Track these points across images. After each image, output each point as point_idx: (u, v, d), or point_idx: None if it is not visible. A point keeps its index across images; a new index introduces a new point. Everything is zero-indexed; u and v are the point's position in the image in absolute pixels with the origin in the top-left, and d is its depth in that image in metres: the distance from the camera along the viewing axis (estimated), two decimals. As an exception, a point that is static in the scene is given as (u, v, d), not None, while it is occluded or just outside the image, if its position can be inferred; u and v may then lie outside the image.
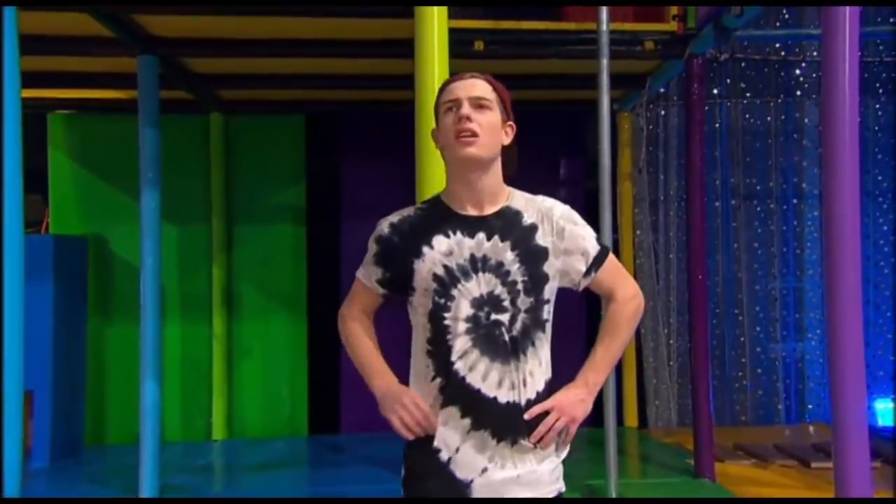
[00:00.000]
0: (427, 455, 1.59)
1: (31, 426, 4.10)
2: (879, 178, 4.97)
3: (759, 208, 5.06)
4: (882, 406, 4.90)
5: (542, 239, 1.66)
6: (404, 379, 1.66)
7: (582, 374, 1.67)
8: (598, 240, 1.72)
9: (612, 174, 3.46)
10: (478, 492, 1.58)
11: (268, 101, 4.91)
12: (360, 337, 1.75)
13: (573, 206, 5.32)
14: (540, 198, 1.74)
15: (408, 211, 1.74)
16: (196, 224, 4.84)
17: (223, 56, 3.95)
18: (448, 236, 1.63)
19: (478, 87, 1.69)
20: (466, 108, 1.64)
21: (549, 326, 1.67)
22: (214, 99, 4.72)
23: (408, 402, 1.59)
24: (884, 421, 4.85)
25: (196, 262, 4.83)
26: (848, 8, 2.51)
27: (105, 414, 4.69)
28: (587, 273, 1.67)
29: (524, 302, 1.61)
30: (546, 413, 1.60)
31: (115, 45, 3.62)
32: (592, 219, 4.28)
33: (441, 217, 1.67)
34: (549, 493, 1.62)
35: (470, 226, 1.63)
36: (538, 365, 1.64)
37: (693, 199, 3.91)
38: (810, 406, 4.89)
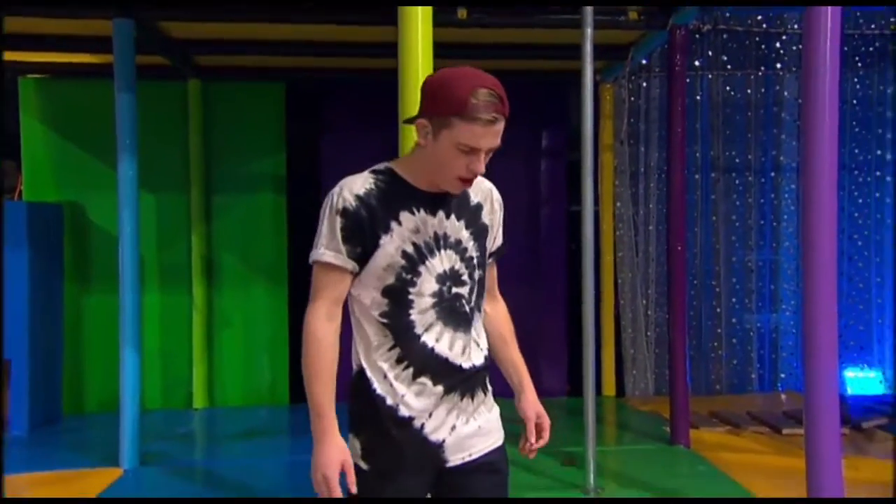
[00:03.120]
0: (397, 426, 1.63)
1: (9, 395, 4.09)
2: (856, 151, 5.06)
3: (737, 181, 5.12)
4: (852, 375, 5.05)
5: (485, 217, 1.75)
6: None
7: (525, 379, 1.83)
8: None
9: (593, 145, 3.48)
10: (448, 450, 1.66)
11: (247, 67, 4.83)
12: (322, 360, 1.66)
13: (555, 177, 5.39)
14: (478, 177, 1.75)
15: (367, 181, 1.67)
16: (174, 193, 4.80)
17: (201, 20, 3.87)
18: (413, 213, 1.64)
19: (498, 133, 1.63)
20: (482, 165, 1.63)
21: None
22: (192, 65, 4.65)
23: (327, 486, 1.59)
24: (853, 390, 5.01)
25: (175, 231, 4.80)
26: (831, -18, 2.54)
27: (83, 382, 4.68)
28: (494, 254, 1.80)
29: (477, 274, 1.70)
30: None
31: (90, 6, 3.54)
32: (574, 190, 4.34)
33: (403, 192, 1.66)
34: (500, 437, 1.75)
35: (430, 203, 1.65)
36: (482, 328, 1.77)
37: (673, 171, 3.94)
38: (783, 375, 5.02)
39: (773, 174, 5.10)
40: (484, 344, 1.76)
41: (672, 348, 3.97)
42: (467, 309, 1.69)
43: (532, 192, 5.07)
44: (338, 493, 1.59)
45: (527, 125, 4.93)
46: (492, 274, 1.86)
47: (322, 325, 1.65)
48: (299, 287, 4.93)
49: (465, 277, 1.68)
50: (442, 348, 1.65)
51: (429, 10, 2.55)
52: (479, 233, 1.74)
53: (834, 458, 2.60)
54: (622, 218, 5.03)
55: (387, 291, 1.64)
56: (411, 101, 2.44)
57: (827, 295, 2.61)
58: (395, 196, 1.67)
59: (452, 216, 1.68)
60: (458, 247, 1.67)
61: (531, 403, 1.80)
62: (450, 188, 1.67)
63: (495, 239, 1.81)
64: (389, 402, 1.63)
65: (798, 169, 4.81)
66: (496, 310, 1.88)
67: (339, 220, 1.63)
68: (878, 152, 5.07)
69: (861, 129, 5.04)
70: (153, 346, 4.58)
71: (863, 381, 5.04)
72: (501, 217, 1.82)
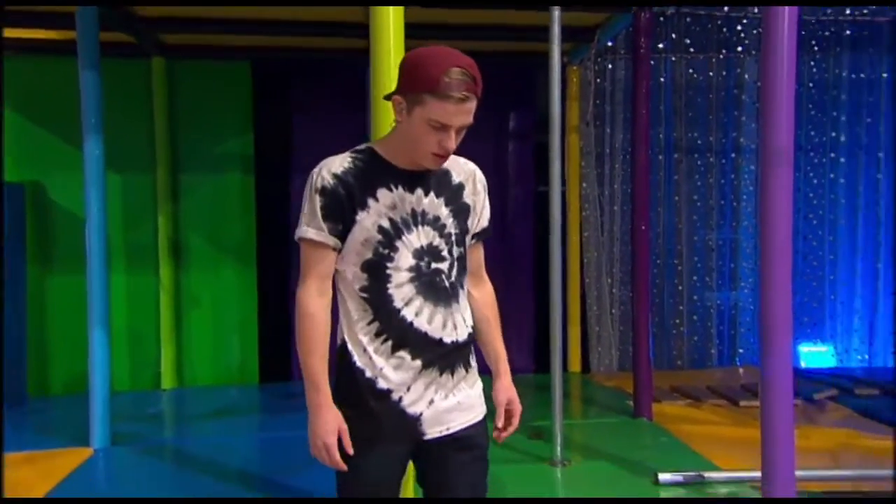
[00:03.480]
0: (376, 398, 1.69)
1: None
2: (812, 133, 5.19)
3: (699, 162, 5.23)
4: (805, 349, 5.23)
5: (468, 197, 1.80)
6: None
7: (502, 365, 1.87)
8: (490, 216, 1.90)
9: (561, 127, 3.53)
10: (426, 423, 1.73)
11: (212, 46, 4.76)
12: (314, 333, 1.71)
13: (522, 159, 5.42)
14: (462, 159, 1.82)
15: (345, 161, 1.73)
16: (139, 172, 4.75)
17: (165, -2, 3.84)
18: (391, 190, 1.69)
19: (470, 112, 1.67)
20: (453, 141, 1.67)
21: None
22: (156, 43, 4.58)
23: (328, 453, 1.66)
24: (806, 363, 5.19)
25: (141, 211, 4.75)
26: (789, -31, 2.61)
27: (48, 364, 4.63)
28: (478, 235, 1.84)
29: (456, 251, 1.76)
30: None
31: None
32: (542, 171, 4.39)
33: (381, 170, 1.71)
34: (480, 413, 1.81)
35: (409, 180, 1.70)
36: (466, 304, 1.82)
37: (638, 152, 4.02)
38: (741, 350, 5.17)
39: (733, 155, 5.22)
40: (468, 320, 1.81)
41: (635, 325, 4.08)
42: (447, 284, 1.74)
43: (500, 173, 5.12)
44: (338, 458, 1.67)
45: (495, 107, 4.95)
46: (477, 255, 1.90)
47: (313, 301, 1.70)
48: (268, 267, 4.94)
49: (445, 253, 1.73)
50: (421, 322, 1.70)
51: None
52: (460, 211, 1.77)
53: (787, 429, 2.71)
54: (588, 198, 5.10)
55: (365, 266, 1.70)
56: (383, 81, 2.45)
57: (783, 273, 2.71)
58: (373, 174, 1.71)
59: (431, 193, 1.72)
60: (436, 223, 1.72)
61: (504, 389, 1.84)
62: (425, 163, 1.70)
63: (479, 220, 1.84)
64: (368, 374, 1.69)
65: (757, 150, 4.93)
66: (482, 292, 1.92)
67: (318, 199, 1.67)
68: (833, 134, 5.22)
69: (817, 111, 5.17)
70: (120, 327, 4.53)
71: (815, 355, 5.23)
72: (485, 199, 1.85)
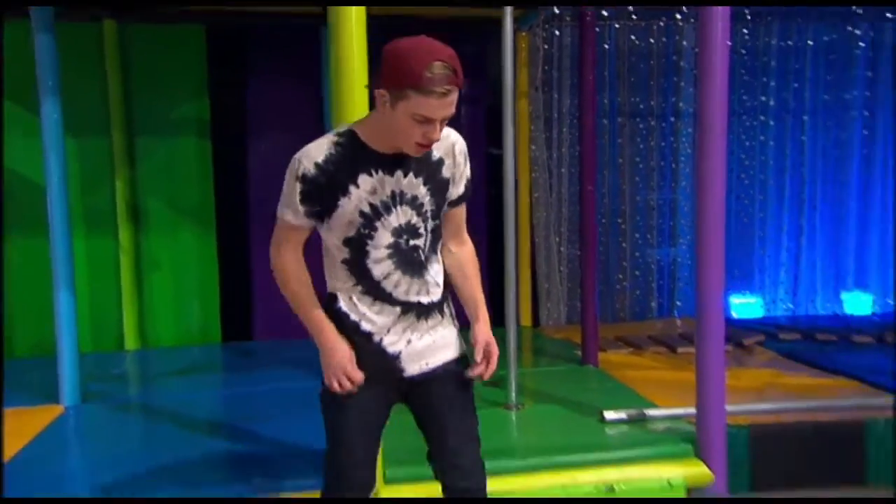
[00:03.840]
0: (359, 337, 1.87)
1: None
2: (744, 97, 5.42)
3: (641, 126, 5.42)
4: (737, 301, 5.57)
5: (446, 171, 1.88)
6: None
7: (480, 311, 1.97)
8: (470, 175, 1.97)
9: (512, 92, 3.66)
10: (404, 360, 1.91)
11: (165, 10, 4.69)
12: (302, 290, 1.87)
13: (475, 123, 5.55)
14: (444, 132, 1.84)
15: (327, 146, 1.78)
16: (95, 137, 4.70)
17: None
18: (371, 175, 1.79)
19: (452, 104, 1.71)
20: (438, 133, 1.73)
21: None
22: (106, 5, 4.50)
23: (345, 376, 1.84)
24: (737, 313, 5.54)
25: (97, 175, 4.72)
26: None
27: (13, 328, 4.59)
28: (455, 202, 1.93)
29: (432, 224, 1.89)
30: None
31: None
32: (494, 135, 4.54)
33: (362, 155, 1.79)
34: (457, 350, 1.97)
35: (389, 164, 1.80)
36: (439, 268, 1.96)
37: (585, 117, 4.18)
38: (679, 303, 5.46)
39: (672, 119, 5.43)
40: (441, 281, 1.96)
41: (583, 281, 4.29)
42: (423, 258, 1.90)
43: (453, 136, 5.23)
44: (359, 376, 1.85)
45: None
46: (458, 215, 1.99)
47: (291, 264, 1.87)
48: (228, 230, 4.99)
49: (421, 230, 1.87)
50: (399, 293, 1.87)
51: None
52: (438, 187, 1.88)
53: (719, 370, 2.99)
54: (537, 161, 5.26)
55: (347, 241, 1.85)
56: (341, 49, 2.47)
57: (717, 230, 2.93)
58: (354, 160, 1.78)
59: (411, 174, 1.82)
60: (414, 202, 1.84)
61: (482, 332, 1.94)
62: (409, 151, 1.77)
63: (457, 188, 1.92)
64: (353, 317, 1.87)
65: (694, 115, 5.16)
66: (462, 250, 2.02)
67: (298, 185, 1.78)
68: (763, 98, 5.46)
69: (749, 77, 5.41)
70: (82, 291, 4.49)
71: (745, 305, 5.57)
72: (465, 167, 1.92)
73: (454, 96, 1.69)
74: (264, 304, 4.95)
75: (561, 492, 2.76)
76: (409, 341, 1.89)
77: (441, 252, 1.99)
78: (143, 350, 4.79)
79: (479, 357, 1.93)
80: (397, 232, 1.83)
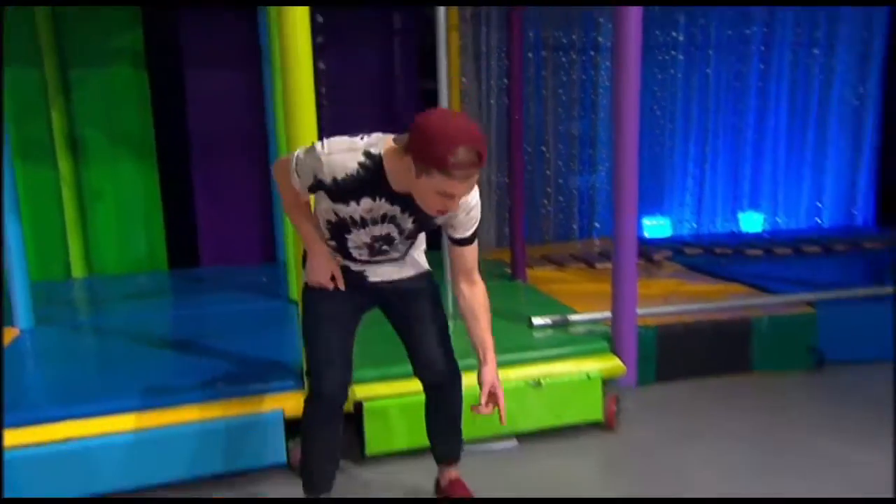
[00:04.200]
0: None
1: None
2: (657, 32, 5.64)
3: (563, 59, 5.59)
4: (648, 223, 5.96)
5: (440, 219, 1.98)
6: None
7: (489, 354, 2.09)
8: (476, 225, 2.03)
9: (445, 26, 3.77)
10: (369, 275, 2.15)
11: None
12: (295, 211, 2.09)
13: (407, 56, 5.61)
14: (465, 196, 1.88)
15: (352, 167, 1.84)
16: (26, 67, 4.59)
17: None
18: (374, 200, 1.92)
19: (474, 180, 1.78)
20: (456, 204, 1.82)
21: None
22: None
23: (328, 277, 2.09)
24: (649, 234, 5.92)
25: (32, 106, 4.63)
26: None
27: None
28: (457, 242, 2.02)
29: (412, 235, 2.06)
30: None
31: None
32: (428, 69, 4.65)
33: (377, 185, 1.87)
34: (419, 269, 2.19)
35: (394, 198, 1.92)
36: (416, 259, 2.17)
37: (512, 50, 4.28)
38: (597, 225, 5.75)
39: (592, 53, 5.62)
40: (420, 265, 2.19)
41: (511, 206, 4.48)
42: (396, 254, 2.10)
43: (387, 71, 5.30)
44: (339, 275, 2.09)
45: (380, 8, 5.11)
46: (465, 256, 2.06)
47: (290, 191, 2.03)
48: (169, 160, 5.00)
49: (397, 241, 2.04)
50: (374, 275, 2.13)
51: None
52: (424, 224, 2.02)
53: (631, 281, 3.26)
54: (467, 93, 5.37)
55: (329, 226, 2.04)
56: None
57: (631, 158, 3.11)
58: (368, 185, 1.87)
59: (407, 213, 1.95)
60: (398, 224, 2.00)
61: (489, 375, 2.05)
62: (427, 211, 1.87)
63: (456, 228, 1.99)
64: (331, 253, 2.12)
65: (612, 48, 5.38)
66: (473, 292, 2.09)
67: (311, 179, 1.92)
68: (673, 34, 5.71)
69: (661, 12, 5.60)
70: (25, 222, 4.47)
71: (655, 227, 5.96)
72: (468, 221, 1.98)
73: (477, 174, 1.77)
74: (209, 231, 5.03)
75: None
76: (375, 269, 2.16)
77: (454, 292, 2.15)
78: (91, 278, 4.80)
79: (483, 399, 2.05)
80: (375, 239, 2.02)
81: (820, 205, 6.25)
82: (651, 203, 5.88)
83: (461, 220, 1.98)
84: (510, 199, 4.55)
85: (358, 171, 1.85)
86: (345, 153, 1.85)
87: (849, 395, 3.48)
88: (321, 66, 4.92)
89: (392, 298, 2.21)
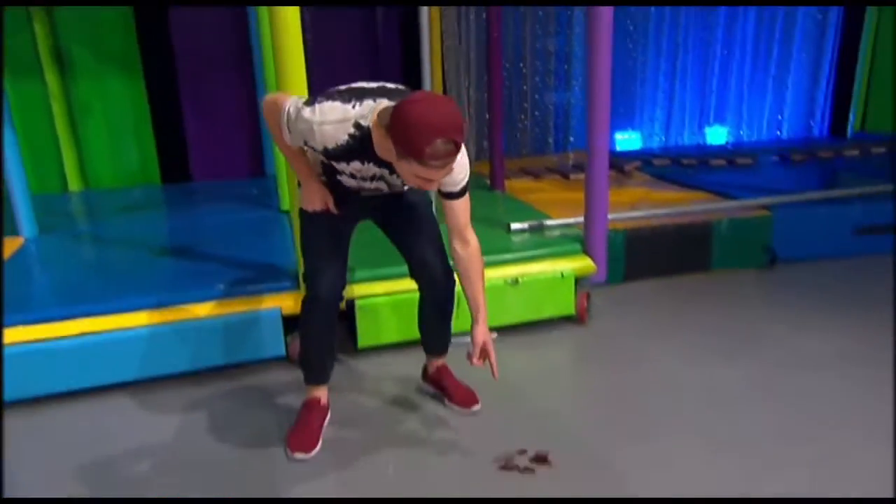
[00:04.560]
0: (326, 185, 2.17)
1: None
2: None
3: None
4: (620, 137, 6.00)
5: None
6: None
7: (481, 314, 2.13)
8: (467, 181, 2.02)
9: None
10: (363, 191, 2.17)
11: None
12: (292, 151, 2.08)
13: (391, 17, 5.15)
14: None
15: (343, 138, 1.85)
16: (8, -21, 4.40)
17: None
18: (363, 163, 1.94)
19: (451, 167, 1.76)
20: (435, 185, 1.82)
21: None
22: None
23: (323, 205, 2.12)
24: (620, 147, 5.97)
25: (14, 19, 4.44)
26: None
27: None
28: (445, 195, 2.01)
29: (402, 187, 2.11)
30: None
31: None
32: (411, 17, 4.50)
33: (365, 152, 1.89)
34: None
35: (381, 162, 1.93)
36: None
37: None
38: (572, 139, 5.77)
39: None
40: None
41: (490, 121, 4.47)
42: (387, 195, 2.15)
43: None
44: (331, 202, 2.13)
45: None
46: (455, 211, 2.05)
47: (286, 143, 2.01)
48: (155, 77, 4.88)
49: (387, 192, 2.10)
50: (368, 193, 2.15)
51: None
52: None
53: (603, 187, 3.27)
54: (446, 12, 5.23)
55: (322, 167, 2.08)
56: None
57: (604, 73, 3.06)
58: (357, 152, 1.89)
59: (395, 174, 1.95)
60: (387, 181, 2.02)
61: (481, 333, 2.10)
62: (410, 185, 1.88)
63: (441, 184, 1.96)
64: (323, 179, 2.15)
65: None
66: (467, 253, 2.10)
67: (302, 142, 1.91)
68: None
69: None
70: (20, 136, 4.43)
71: (627, 140, 6.02)
72: (456, 177, 1.96)
73: (453, 162, 1.75)
74: (199, 147, 4.98)
75: None
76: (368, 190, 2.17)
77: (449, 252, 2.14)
78: (87, 191, 4.77)
79: (475, 358, 2.11)
80: (365, 190, 2.09)
81: (781, 118, 6.31)
82: (623, 118, 5.90)
83: (449, 178, 1.97)
84: (489, 113, 4.53)
85: (348, 142, 1.87)
86: (336, 125, 1.84)
87: (797, 288, 3.64)
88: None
89: (386, 209, 2.26)
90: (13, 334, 2.59)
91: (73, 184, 4.75)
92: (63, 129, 4.66)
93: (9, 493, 2.17)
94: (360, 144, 1.86)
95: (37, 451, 2.40)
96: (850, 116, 6.21)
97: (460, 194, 2.03)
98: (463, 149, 1.88)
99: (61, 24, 4.59)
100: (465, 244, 2.10)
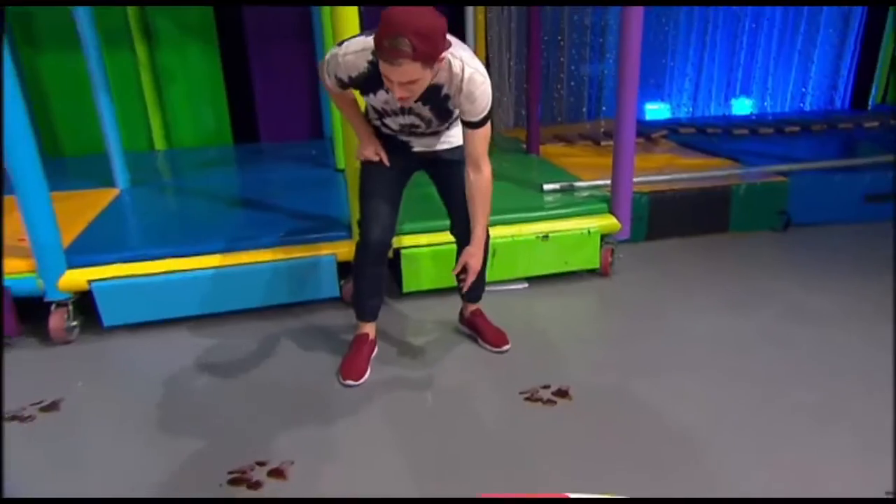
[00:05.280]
0: (382, 136, 2.21)
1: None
2: None
3: None
4: (650, 107, 5.84)
5: (450, 104, 1.98)
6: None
7: (475, 236, 2.09)
8: (487, 111, 1.95)
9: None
10: (414, 145, 2.21)
11: None
12: (341, 102, 2.12)
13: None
14: (462, 75, 1.86)
15: (362, 64, 1.87)
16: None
17: None
18: (387, 92, 1.92)
19: (406, 72, 1.71)
20: (400, 91, 1.76)
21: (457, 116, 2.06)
22: None
23: (373, 154, 2.17)
24: (650, 116, 5.82)
25: (109, -2, 4.54)
26: None
27: (55, 129, 4.66)
28: (466, 123, 1.97)
29: (434, 124, 2.07)
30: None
31: None
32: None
33: (381, 80, 1.85)
34: (459, 143, 2.17)
35: None
36: (456, 126, 2.14)
37: None
38: (604, 108, 5.62)
39: None
40: (455, 136, 2.17)
41: (528, 90, 4.40)
42: (427, 133, 2.13)
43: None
44: (383, 154, 2.17)
45: None
46: (472, 141, 2.00)
47: (334, 87, 2.05)
48: (228, 47, 4.92)
49: (423, 129, 2.08)
50: (418, 148, 2.19)
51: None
52: (442, 111, 2.02)
53: (629, 153, 3.22)
54: None
55: (372, 110, 2.11)
56: None
57: (633, 45, 2.95)
58: (376, 80, 1.88)
59: (420, 101, 1.94)
60: (419, 115, 2.02)
61: (467, 255, 2.10)
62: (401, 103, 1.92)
63: (463, 113, 1.95)
64: (376, 124, 2.20)
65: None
66: (477, 178, 2.05)
67: (334, 78, 1.97)
68: None
69: None
70: (114, 101, 4.54)
71: (656, 110, 5.86)
72: (469, 101, 1.91)
73: (409, 66, 1.69)
74: (266, 111, 5.05)
75: (511, 240, 3.06)
76: (417, 139, 2.20)
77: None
78: (170, 150, 4.90)
79: (457, 269, 2.12)
80: (402, 127, 2.08)
81: (805, 90, 6.04)
82: (653, 90, 5.73)
83: (466, 108, 1.93)
84: (527, 83, 4.47)
85: (367, 69, 1.87)
86: (357, 54, 1.85)
87: (808, 250, 3.56)
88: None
89: (434, 166, 2.28)
90: (111, 270, 2.76)
91: (159, 143, 4.88)
92: (150, 95, 4.77)
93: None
94: (377, 70, 1.82)
95: (131, 365, 2.56)
96: (873, 90, 5.91)
97: (479, 124, 1.97)
98: (482, 82, 1.87)
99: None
100: (478, 172, 2.05)
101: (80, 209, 3.32)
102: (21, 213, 2.61)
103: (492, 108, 1.98)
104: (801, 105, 6.06)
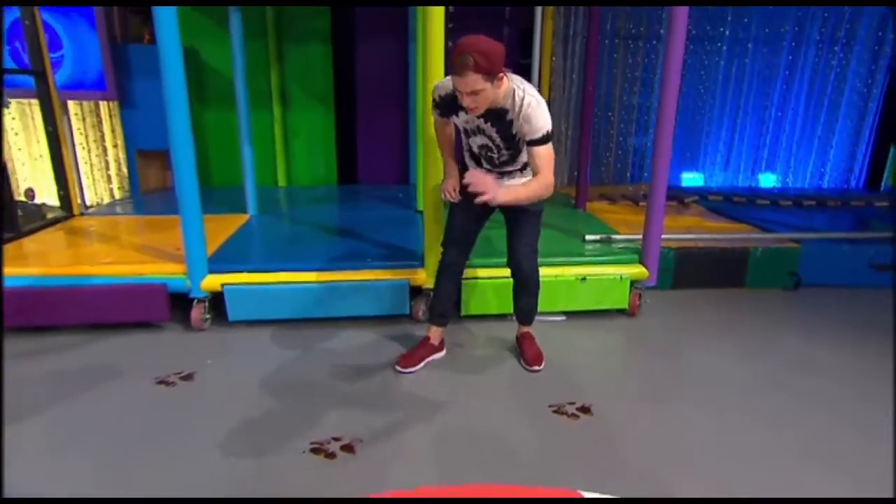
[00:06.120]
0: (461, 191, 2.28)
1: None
2: (707, 27, 5.26)
3: (631, 45, 5.35)
4: (686, 175, 5.75)
5: (514, 128, 2.03)
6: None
7: (507, 184, 2.11)
8: (544, 132, 1.95)
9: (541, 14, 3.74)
10: (485, 162, 2.23)
11: None
12: (440, 141, 2.24)
13: (511, 39, 5.61)
14: (523, 100, 1.91)
15: (449, 85, 1.99)
16: (257, 40, 4.88)
17: None
18: (466, 113, 2.04)
19: (469, 83, 1.81)
20: (467, 101, 1.87)
21: (523, 148, 2.08)
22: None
23: (449, 195, 2.25)
24: (686, 184, 5.74)
25: (258, 68, 4.91)
26: None
27: (209, 166, 5.05)
28: (530, 143, 1.99)
29: (505, 149, 2.12)
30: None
31: None
32: (524, 47, 4.58)
33: (459, 104, 2.01)
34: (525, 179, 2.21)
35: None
36: (526, 178, 2.16)
37: (591, 35, 4.18)
38: (645, 174, 5.61)
39: (655, 42, 5.35)
40: (518, 180, 2.22)
41: (580, 155, 4.42)
42: (497, 163, 2.17)
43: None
44: (456, 194, 2.25)
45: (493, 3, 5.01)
46: (532, 155, 2.01)
47: (436, 126, 2.22)
48: (341, 109, 5.23)
49: (493, 153, 2.14)
50: (487, 165, 2.23)
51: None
52: (507, 134, 2.07)
53: (659, 212, 3.17)
54: (556, 68, 5.27)
55: (463, 144, 2.21)
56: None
57: (668, 125, 2.98)
58: (456, 104, 2.06)
59: (489, 123, 2.05)
60: (487, 135, 2.10)
61: (490, 178, 1.96)
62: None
63: (524, 134, 2.00)
64: (465, 154, 2.27)
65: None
66: (537, 178, 2.02)
67: (434, 103, 2.11)
68: (720, 28, 5.31)
69: (712, 11, 5.22)
70: (255, 148, 4.89)
71: (691, 178, 5.76)
72: (525, 124, 1.96)
73: (471, 78, 1.78)
74: (365, 159, 5.30)
75: (554, 279, 3.05)
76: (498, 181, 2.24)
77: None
78: (289, 187, 5.18)
79: (467, 180, 1.97)
80: (479, 147, 2.15)
81: (823, 170, 5.80)
82: (690, 162, 5.66)
83: (526, 128, 1.96)
84: (579, 150, 4.51)
85: (453, 91, 1.98)
86: (447, 80, 2.01)
87: (815, 308, 3.41)
88: (449, 44, 4.93)
89: (506, 210, 2.34)
90: (239, 277, 2.98)
91: (282, 181, 5.19)
92: (279, 144, 5.09)
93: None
94: (454, 99, 1.93)
95: (247, 352, 2.77)
96: (885, 174, 5.61)
97: (538, 142, 1.95)
98: (537, 106, 1.88)
99: (287, 72, 5.05)
100: (538, 176, 2.01)
101: (221, 228, 3.58)
102: (181, 229, 2.90)
103: (552, 132, 1.98)
104: (820, 183, 5.82)
